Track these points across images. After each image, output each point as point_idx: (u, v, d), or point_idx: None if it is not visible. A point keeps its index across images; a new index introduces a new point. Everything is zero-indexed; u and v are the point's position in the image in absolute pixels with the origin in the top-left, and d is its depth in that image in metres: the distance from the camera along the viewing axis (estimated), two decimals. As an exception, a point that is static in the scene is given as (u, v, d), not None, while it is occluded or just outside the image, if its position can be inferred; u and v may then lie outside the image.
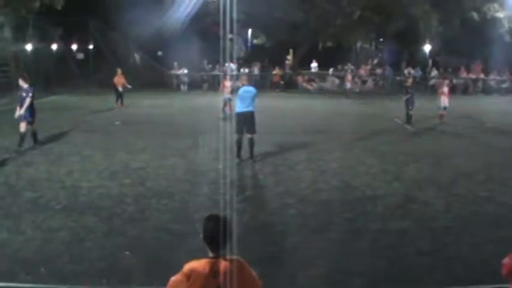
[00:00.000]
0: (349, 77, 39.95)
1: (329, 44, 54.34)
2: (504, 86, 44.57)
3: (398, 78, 44.17)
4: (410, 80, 25.61)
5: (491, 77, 45.36)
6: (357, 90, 42.77)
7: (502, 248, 5.00)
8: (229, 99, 23.41)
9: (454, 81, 42.63)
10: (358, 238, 9.48)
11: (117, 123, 22.26)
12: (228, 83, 25.07)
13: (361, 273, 7.95)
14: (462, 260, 8.56)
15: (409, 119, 23.14)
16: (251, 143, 15.34)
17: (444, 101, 24.48)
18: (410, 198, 12.01)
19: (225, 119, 21.33)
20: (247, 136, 15.31)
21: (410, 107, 23.16)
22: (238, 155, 15.18)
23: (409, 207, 11.34)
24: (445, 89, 25.04)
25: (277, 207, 11.27)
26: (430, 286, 7.63)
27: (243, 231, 9.24)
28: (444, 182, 13.48)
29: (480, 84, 45.17)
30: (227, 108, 23.45)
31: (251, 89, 15.61)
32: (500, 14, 49.22)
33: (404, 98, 23.74)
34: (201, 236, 4.46)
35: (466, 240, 9.45)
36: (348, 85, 39.38)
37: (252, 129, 15.24)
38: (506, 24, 50.16)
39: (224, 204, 10.82)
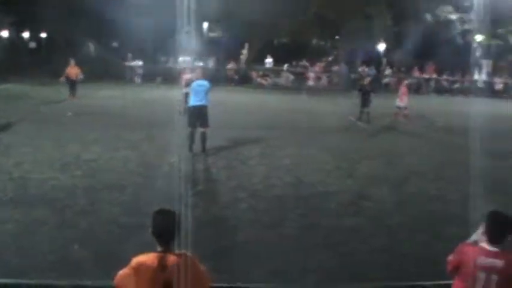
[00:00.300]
0: (310, 74, 39.75)
1: (284, 40, 54.54)
2: (456, 86, 45.34)
3: (353, 76, 44.46)
4: (367, 79, 25.85)
5: (444, 77, 46.05)
6: (311, 86, 42.95)
7: (451, 245, 5.06)
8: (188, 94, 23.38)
9: (408, 80, 43.13)
10: (311, 234, 9.49)
11: (69, 114, 21.85)
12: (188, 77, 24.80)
13: (314, 269, 7.95)
14: (413, 256, 8.66)
15: (364, 117, 23.33)
16: (204, 137, 15.23)
17: (403, 100, 24.84)
18: (363, 195, 12.09)
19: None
20: (200, 130, 15.20)
21: (366, 106, 23.35)
22: (191, 149, 15.07)
23: (362, 204, 11.42)
24: (404, 89, 25.39)
25: (230, 201, 11.23)
26: (381, 282, 7.67)
27: (195, 226, 9.14)
28: (396, 180, 13.62)
29: (433, 84, 45.85)
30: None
31: (205, 82, 15.50)
32: (453, 16, 50.09)
33: (359, 96, 23.90)
34: (150, 230, 4.40)
35: (417, 237, 9.56)
36: (310, 83, 39.21)
37: (205, 123, 15.14)
38: (458, 26, 51.03)
39: (176, 198, 10.74)
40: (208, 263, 4.67)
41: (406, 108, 24.82)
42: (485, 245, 4.80)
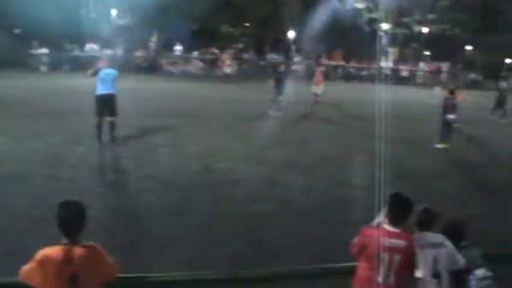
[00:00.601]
0: (227, 61, 39.31)
1: (194, 27, 54.21)
2: (363, 73, 46.30)
3: (262, 63, 44.72)
4: (282, 66, 26.05)
5: (351, 64, 46.95)
6: (220, 74, 42.94)
7: (358, 229, 5.18)
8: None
9: (316, 67, 43.72)
10: (220, 221, 9.51)
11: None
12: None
13: (224, 256, 7.97)
14: (322, 240, 8.80)
15: (277, 104, 23.45)
16: (112, 126, 14.97)
17: (319, 88, 25.19)
18: (272, 182, 12.20)
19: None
20: (108, 119, 14.92)
21: (279, 93, 23.50)
22: (99, 139, 14.78)
23: (272, 191, 11.53)
24: (320, 76, 25.76)
25: (139, 191, 11.11)
26: (290, 267, 7.75)
27: (103, 217, 9.03)
28: (305, 166, 13.83)
29: (340, 71, 46.67)
30: None
31: (112, 71, 15.22)
32: (360, 5, 51.14)
33: (274, 84, 23.98)
34: (56, 222, 4.31)
35: (326, 222, 9.74)
36: (228, 70, 38.80)
37: (113, 112, 14.88)
38: (365, 15, 52.15)
39: (84, 189, 10.55)
40: (117, 255, 4.62)
41: (321, 95, 25.20)
42: (387, 226, 4.93)
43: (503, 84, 26.97)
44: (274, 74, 25.33)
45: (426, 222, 5.25)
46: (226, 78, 37.93)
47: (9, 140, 14.83)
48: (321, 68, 29.79)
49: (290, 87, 24.37)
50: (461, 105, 19.00)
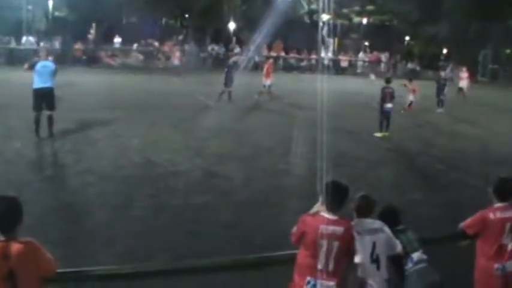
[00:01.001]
0: (177, 54, 38.38)
1: (133, 19, 53.72)
2: (303, 64, 46.66)
3: (202, 54, 44.67)
4: (234, 58, 26.18)
5: (291, 55, 47.22)
6: (161, 66, 42.69)
7: (298, 218, 5.21)
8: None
9: (256, 58, 43.85)
10: (160, 214, 9.51)
11: None
12: None
13: (165, 248, 7.98)
14: (262, 230, 8.89)
15: (225, 96, 23.52)
16: (50, 120, 14.69)
17: (267, 79, 25.47)
18: (211, 172, 12.25)
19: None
20: (46, 113, 14.64)
21: (229, 85, 23.60)
22: (37, 133, 14.50)
23: (211, 182, 11.57)
24: (268, 67, 26.25)
25: (78, 185, 10.99)
26: (230, 256, 7.77)
27: (42, 212, 8.89)
28: (245, 157, 13.90)
29: (281, 62, 46.89)
30: None
31: (50, 64, 14.97)
32: (301, -4, 51.48)
33: (224, 74, 24.05)
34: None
35: (266, 211, 9.82)
36: (176, 62, 38.13)
37: (50, 106, 14.62)
38: (305, 6, 52.50)
39: (22, 185, 10.35)
40: (56, 250, 4.59)
41: (268, 87, 25.54)
42: (324, 213, 4.99)
43: (441, 73, 27.49)
44: (227, 65, 25.36)
45: (364, 209, 5.32)
46: (176, 70, 37.37)
47: None
48: (270, 61, 29.96)
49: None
50: (401, 93, 19.40)
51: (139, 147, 14.36)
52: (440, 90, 25.33)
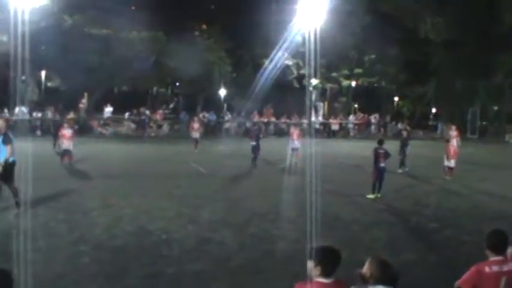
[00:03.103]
0: (195, 125, 34.81)
1: (125, 88, 54.22)
2: (293, 129, 46.90)
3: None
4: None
5: (282, 120, 47.60)
6: (153, 134, 42.96)
7: (293, 282, 5.21)
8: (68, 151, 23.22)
9: (247, 124, 44.19)
10: (155, 283, 9.42)
11: None
12: (66, 132, 24.04)
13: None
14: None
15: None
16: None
17: (296, 143, 25.74)
18: (205, 239, 12.18)
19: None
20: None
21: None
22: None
23: (205, 249, 11.50)
24: (297, 132, 26.63)
25: (71, 255, 10.88)
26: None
27: (34, 284, 8.80)
28: (238, 223, 13.86)
29: (272, 127, 47.23)
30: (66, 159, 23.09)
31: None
32: (290, 62, 52.19)
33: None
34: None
35: (260, 277, 9.77)
36: (195, 134, 32.60)
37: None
38: (295, 71, 53.20)
39: (14, 256, 10.26)
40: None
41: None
42: (320, 278, 4.97)
43: (403, 133, 27.37)
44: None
45: (384, 276, 5.15)
46: (158, 138, 37.34)
47: None
48: (297, 125, 30.67)
49: (219, 144, 24.50)
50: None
51: (133, 215, 14.28)
52: (402, 149, 25.03)
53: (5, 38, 37.40)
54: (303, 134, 28.59)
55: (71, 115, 43.14)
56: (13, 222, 13.01)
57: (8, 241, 11.55)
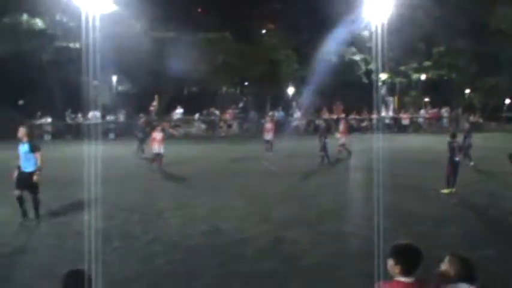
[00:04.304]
0: (268, 126, 33.84)
1: (194, 89, 54.76)
2: (363, 124, 46.50)
3: (262, 120, 45.06)
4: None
5: (352, 116, 47.20)
6: (223, 134, 43.25)
7: (370, 281, 5.12)
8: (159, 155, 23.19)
9: (317, 122, 43.97)
10: (229, 282, 9.45)
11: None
12: (158, 135, 23.74)
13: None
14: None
15: (324, 160, 24.65)
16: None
17: (344, 137, 26.98)
18: (278, 238, 12.15)
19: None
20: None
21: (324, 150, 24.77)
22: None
23: (278, 248, 11.47)
24: (345, 127, 27.81)
25: (146, 256, 11.04)
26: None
27: (111, 284, 8.96)
28: (310, 221, 13.77)
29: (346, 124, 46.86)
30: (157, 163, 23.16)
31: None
32: (357, 57, 51.70)
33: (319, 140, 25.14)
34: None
35: (334, 276, 9.67)
36: (268, 136, 31.10)
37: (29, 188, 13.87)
38: (362, 67, 52.66)
39: (90, 257, 10.47)
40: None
41: (344, 144, 26.91)
42: (400, 277, 4.86)
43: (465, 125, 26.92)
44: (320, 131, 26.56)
45: (466, 273, 5.03)
46: (228, 138, 37.45)
47: (11, 210, 14.58)
48: (345, 119, 30.62)
49: (290, 141, 24.46)
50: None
51: (206, 215, 14.40)
52: (464, 141, 24.27)
53: (77, 45, 38.37)
54: (350, 129, 28.53)
55: (142, 117, 43.90)
56: (89, 223, 13.27)
57: (84, 242, 11.80)
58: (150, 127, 30.09)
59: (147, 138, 26.42)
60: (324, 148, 24.66)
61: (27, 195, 13.75)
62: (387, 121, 47.53)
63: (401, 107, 53.04)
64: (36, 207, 13.97)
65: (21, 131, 14.09)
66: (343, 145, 26.84)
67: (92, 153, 21.16)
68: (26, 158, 13.70)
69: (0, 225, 13.56)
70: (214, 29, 45.62)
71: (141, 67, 39.92)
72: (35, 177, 13.53)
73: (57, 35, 39.95)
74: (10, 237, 12.47)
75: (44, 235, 12.67)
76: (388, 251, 5.04)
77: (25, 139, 13.92)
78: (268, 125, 30.39)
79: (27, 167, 13.64)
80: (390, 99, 53.75)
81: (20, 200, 13.68)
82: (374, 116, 46.28)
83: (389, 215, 12.82)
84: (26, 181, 13.59)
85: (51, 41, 40.15)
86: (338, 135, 27.36)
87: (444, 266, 5.01)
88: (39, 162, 13.74)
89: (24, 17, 40.04)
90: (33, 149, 13.77)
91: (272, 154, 27.33)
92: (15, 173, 13.72)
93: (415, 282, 4.83)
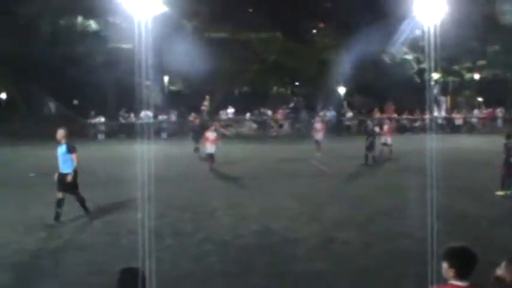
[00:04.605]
0: (318, 125, 31.45)
1: (245, 89, 54.89)
2: (416, 124, 45.95)
3: (313, 120, 44.98)
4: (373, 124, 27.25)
5: (404, 116, 46.69)
6: (274, 134, 43.27)
7: (418, 283, 5.09)
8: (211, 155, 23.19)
9: (368, 121, 43.66)
10: (280, 282, 9.48)
11: (32, 175, 21.54)
12: (211, 134, 23.88)
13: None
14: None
15: (369, 160, 24.57)
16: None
17: (387, 138, 27.00)
18: (329, 238, 12.13)
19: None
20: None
21: (371, 149, 24.80)
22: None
23: (329, 248, 11.47)
24: (389, 127, 27.92)
25: (198, 254, 11.15)
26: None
27: (164, 282, 9.06)
28: (361, 221, 13.71)
29: (394, 123, 46.40)
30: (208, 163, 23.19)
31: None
32: (409, 56, 51.06)
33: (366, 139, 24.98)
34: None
35: (385, 277, 9.61)
36: (318, 136, 30.50)
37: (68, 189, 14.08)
38: (415, 66, 51.99)
39: (143, 254, 10.61)
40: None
41: (391, 145, 26.86)
42: (455, 281, 4.78)
43: None
44: (367, 130, 26.43)
45: None
46: (279, 137, 37.42)
47: (70, 209, 14.59)
48: (389, 121, 30.48)
49: (339, 142, 24.36)
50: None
51: (257, 215, 14.45)
52: None
53: (130, 46, 38.88)
54: (394, 129, 28.23)
55: (196, 117, 44.24)
56: (142, 222, 13.44)
57: (137, 240, 11.96)
58: (203, 127, 30.22)
59: (201, 137, 26.57)
60: (370, 147, 24.42)
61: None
62: (440, 121, 46.85)
63: (454, 107, 52.23)
64: (83, 205, 14.19)
65: (60, 133, 14.31)
66: (385, 144, 26.74)
67: (145, 153, 21.37)
68: (63, 160, 13.94)
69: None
70: (265, 29, 45.63)
71: (193, 67, 40.17)
72: (68, 178, 13.69)
73: (110, 37, 40.55)
74: (64, 234, 12.73)
75: (97, 233, 12.90)
76: (441, 254, 4.97)
77: (63, 141, 14.15)
78: (318, 125, 30.20)
79: (65, 168, 13.88)
80: (443, 99, 52.95)
81: (59, 202, 13.79)
82: (426, 116, 45.66)
83: (442, 216, 12.64)
84: (66, 182, 13.78)
85: (105, 42, 40.78)
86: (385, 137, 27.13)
87: (500, 271, 4.92)
88: (75, 163, 13.94)
89: (79, 19, 40.85)
90: (70, 149, 13.98)
91: (320, 155, 27.17)
92: (56, 175, 13.97)
93: (469, 286, 4.75)
